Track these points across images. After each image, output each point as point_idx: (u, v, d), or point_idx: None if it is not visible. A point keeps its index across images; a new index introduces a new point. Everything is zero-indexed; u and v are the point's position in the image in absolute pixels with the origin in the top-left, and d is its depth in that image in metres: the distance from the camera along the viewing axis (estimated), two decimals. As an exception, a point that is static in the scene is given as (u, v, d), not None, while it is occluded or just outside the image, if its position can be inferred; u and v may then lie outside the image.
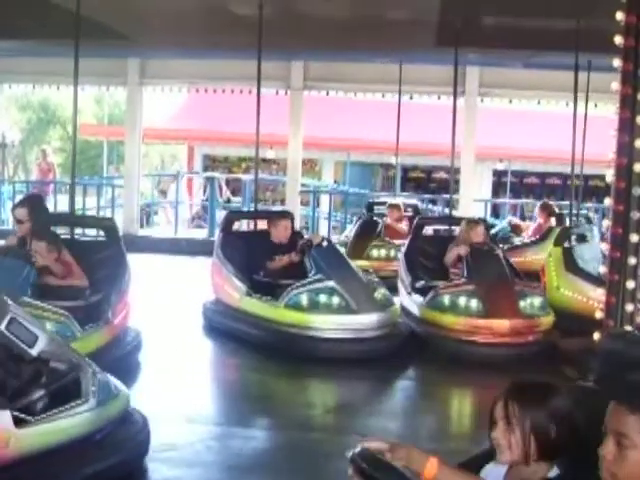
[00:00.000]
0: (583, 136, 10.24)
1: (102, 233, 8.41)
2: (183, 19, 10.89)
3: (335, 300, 7.46)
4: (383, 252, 12.14)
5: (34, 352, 4.36)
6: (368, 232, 12.50)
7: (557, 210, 13.41)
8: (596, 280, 8.46)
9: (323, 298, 7.47)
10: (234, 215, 10.04)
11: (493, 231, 12.70)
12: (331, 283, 7.54)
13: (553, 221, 12.81)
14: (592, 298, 8.35)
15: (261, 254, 8.40)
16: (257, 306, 7.89)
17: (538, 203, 14.14)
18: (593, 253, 9.38)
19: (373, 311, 7.52)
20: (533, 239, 12.56)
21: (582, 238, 9.82)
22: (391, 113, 14.62)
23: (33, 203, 7.77)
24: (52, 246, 6.92)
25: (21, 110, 35.50)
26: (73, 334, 6.01)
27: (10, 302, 4.54)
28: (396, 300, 8.39)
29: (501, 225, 14.67)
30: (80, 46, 8.28)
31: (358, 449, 2.47)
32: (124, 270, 7.52)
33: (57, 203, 16.66)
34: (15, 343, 4.35)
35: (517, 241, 12.98)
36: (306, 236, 8.97)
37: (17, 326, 4.36)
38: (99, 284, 7.10)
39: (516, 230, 13.88)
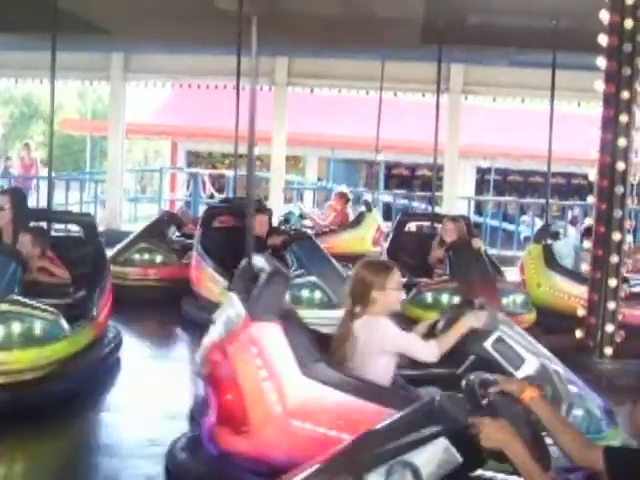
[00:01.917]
0: (549, 133, 10.23)
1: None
2: (166, 13, 10.84)
3: (317, 295, 7.50)
4: (147, 256, 9.91)
5: (518, 376, 4.13)
6: (151, 230, 10.55)
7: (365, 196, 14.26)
8: (577, 277, 8.51)
9: (305, 293, 7.50)
10: (214, 210, 9.98)
11: (281, 218, 13.18)
12: (313, 278, 7.57)
13: (349, 207, 13.62)
14: (573, 295, 8.39)
15: (241, 249, 8.42)
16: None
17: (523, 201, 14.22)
18: (568, 250, 9.44)
19: None
20: (334, 227, 13.20)
21: (555, 235, 9.85)
22: (375, 110, 14.58)
23: (15, 194, 7.71)
24: (37, 240, 6.86)
25: (3, 104, 35.29)
26: (63, 332, 5.84)
27: (501, 319, 4.32)
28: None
29: (288, 212, 14.89)
30: (62, 40, 8.23)
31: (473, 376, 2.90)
32: (104, 266, 7.44)
33: (39, 198, 16.53)
34: (498, 363, 4.16)
35: (307, 228, 13.22)
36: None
37: (504, 346, 4.19)
38: (79, 281, 7.03)
39: (305, 218, 14.31)
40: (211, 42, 12.57)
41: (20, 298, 5.84)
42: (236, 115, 9.22)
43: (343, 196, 13.73)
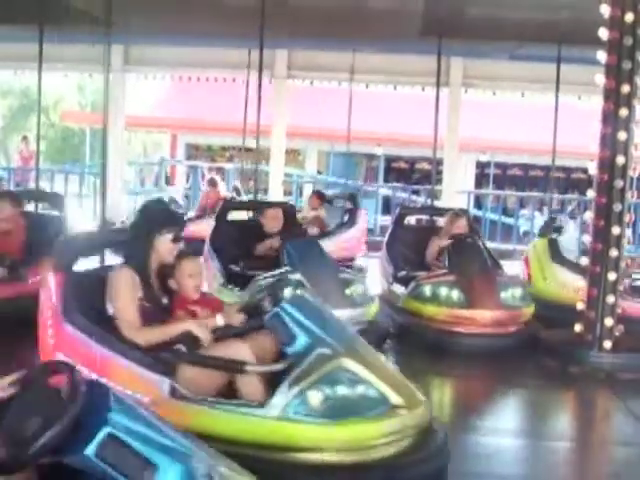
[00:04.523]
0: (554, 127, 10.24)
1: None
2: (166, 5, 10.84)
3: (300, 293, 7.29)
4: None
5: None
6: None
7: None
8: (582, 270, 8.47)
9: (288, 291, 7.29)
10: (230, 204, 9.88)
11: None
12: (297, 275, 7.33)
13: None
14: (579, 288, 8.36)
15: (252, 244, 8.32)
16: (227, 297, 7.77)
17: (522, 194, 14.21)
18: (570, 245, 9.41)
19: (342, 307, 7.25)
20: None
21: (558, 230, 9.83)
22: (375, 104, 14.59)
23: None
24: None
25: (2, 96, 35.22)
26: None
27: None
28: (377, 291, 8.36)
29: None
30: (62, 32, 8.23)
31: None
32: None
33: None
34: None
35: None
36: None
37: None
38: None
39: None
40: (211, 34, 12.54)
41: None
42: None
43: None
